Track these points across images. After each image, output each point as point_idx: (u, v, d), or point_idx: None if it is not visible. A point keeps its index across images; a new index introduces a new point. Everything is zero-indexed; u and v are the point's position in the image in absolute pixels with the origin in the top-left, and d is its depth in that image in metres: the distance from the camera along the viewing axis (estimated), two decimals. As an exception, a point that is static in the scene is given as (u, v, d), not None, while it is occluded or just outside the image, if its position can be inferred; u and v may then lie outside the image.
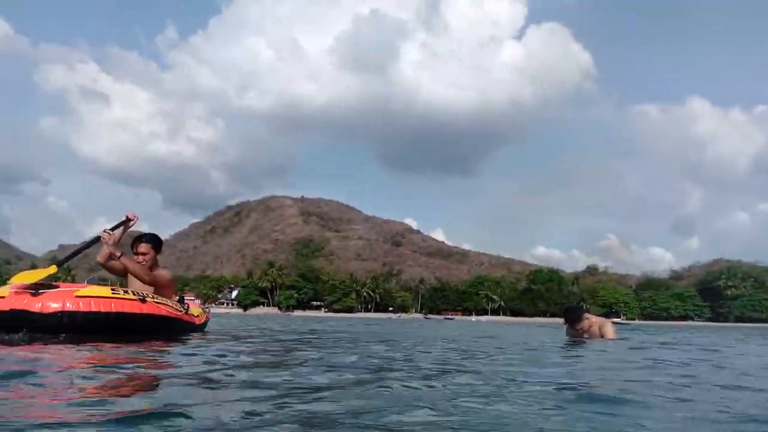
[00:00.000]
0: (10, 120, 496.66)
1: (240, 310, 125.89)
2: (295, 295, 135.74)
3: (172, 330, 6.08)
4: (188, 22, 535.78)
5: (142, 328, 5.64)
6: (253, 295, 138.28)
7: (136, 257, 6.15)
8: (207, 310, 7.85)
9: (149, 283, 6.06)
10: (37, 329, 5.01)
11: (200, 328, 7.24)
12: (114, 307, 5.32)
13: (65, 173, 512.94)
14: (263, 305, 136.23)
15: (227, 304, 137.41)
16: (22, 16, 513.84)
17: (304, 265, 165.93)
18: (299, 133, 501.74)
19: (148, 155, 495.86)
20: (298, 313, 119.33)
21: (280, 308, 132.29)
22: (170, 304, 6.11)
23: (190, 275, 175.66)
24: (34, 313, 5.02)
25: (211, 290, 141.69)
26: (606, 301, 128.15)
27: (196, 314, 7.06)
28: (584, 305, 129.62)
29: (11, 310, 5.03)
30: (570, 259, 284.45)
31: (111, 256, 5.98)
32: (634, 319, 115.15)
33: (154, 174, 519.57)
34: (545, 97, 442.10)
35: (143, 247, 6.17)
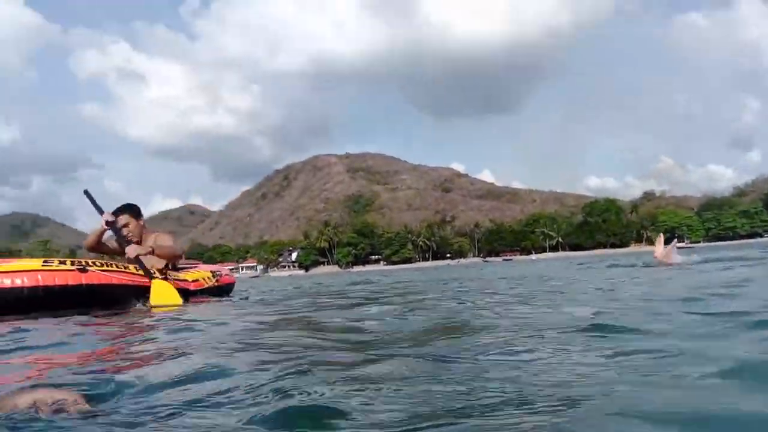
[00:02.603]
0: (55, 110, 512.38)
1: (301, 272, 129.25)
2: (353, 251, 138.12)
3: (128, 298, 5.30)
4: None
5: (81, 300, 4.96)
6: (313, 255, 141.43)
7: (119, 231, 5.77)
8: (218, 275, 6.83)
9: (158, 255, 5.76)
10: None
11: (200, 293, 6.26)
12: (42, 280, 4.72)
13: (116, 156, 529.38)
14: (324, 264, 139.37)
15: (288, 266, 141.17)
16: (50, 3, 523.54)
17: (358, 221, 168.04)
18: (334, 88, 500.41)
19: (190, 129, 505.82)
20: (357, 268, 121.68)
21: (339, 265, 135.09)
22: (130, 270, 5.43)
23: (250, 242, 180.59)
24: None
25: (272, 255, 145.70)
26: (667, 227, 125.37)
27: (191, 279, 6.17)
28: (645, 233, 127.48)
29: None
30: (625, 187, 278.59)
31: (99, 241, 5.79)
32: (699, 242, 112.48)
33: (199, 148, 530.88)
34: (581, 21, 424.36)
35: (123, 219, 5.84)
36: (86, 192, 5.76)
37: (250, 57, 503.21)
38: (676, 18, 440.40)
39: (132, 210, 5.99)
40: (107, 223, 5.56)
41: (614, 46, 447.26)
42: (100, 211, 5.63)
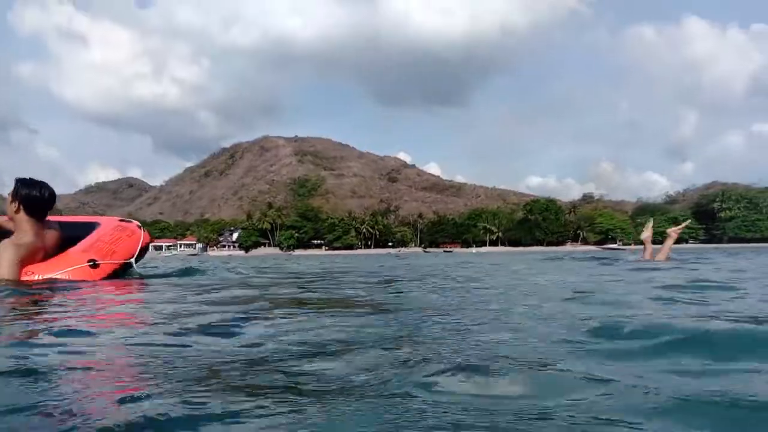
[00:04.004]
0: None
1: (242, 252, 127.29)
2: (296, 234, 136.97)
3: None
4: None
5: None
6: (254, 236, 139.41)
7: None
8: None
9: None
10: None
11: None
12: None
13: (52, 120, 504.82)
14: (264, 246, 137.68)
15: (229, 246, 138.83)
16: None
17: (302, 204, 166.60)
18: (288, 70, 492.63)
19: (133, 98, 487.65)
20: (299, 252, 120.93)
21: (281, 248, 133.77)
22: None
23: (190, 220, 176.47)
24: None
25: (212, 233, 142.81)
26: (603, 229, 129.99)
27: None
28: (581, 233, 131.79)
29: None
30: (565, 188, 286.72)
31: None
32: (630, 245, 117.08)
33: (141, 117, 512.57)
34: (537, 23, 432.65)
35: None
36: None
37: (203, 29, 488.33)
38: (627, 29, 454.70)
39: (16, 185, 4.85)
40: None
41: (566, 52, 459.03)
42: None
